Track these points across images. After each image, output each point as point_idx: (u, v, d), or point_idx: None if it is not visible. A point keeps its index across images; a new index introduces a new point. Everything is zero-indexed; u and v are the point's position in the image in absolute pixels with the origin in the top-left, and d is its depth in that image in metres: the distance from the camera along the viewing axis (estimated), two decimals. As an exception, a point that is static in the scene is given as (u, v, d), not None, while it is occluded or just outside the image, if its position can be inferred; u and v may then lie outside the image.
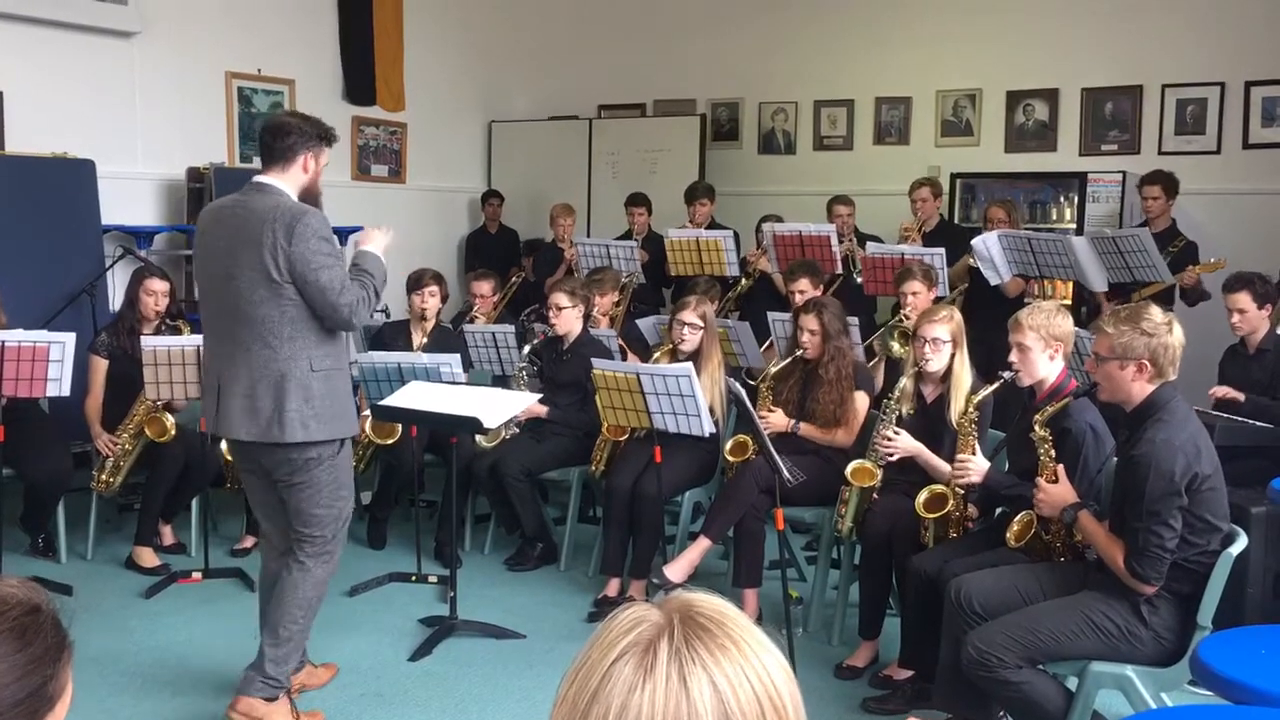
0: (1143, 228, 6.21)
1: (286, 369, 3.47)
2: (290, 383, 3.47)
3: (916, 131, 8.54)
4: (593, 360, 4.95)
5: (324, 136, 3.65)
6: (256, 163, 7.98)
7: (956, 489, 3.97)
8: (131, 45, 7.16)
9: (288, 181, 3.56)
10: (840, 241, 6.68)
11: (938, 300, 5.49)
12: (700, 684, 0.99)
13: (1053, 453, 3.53)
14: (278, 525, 3.75)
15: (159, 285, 5.40)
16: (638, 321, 6.44)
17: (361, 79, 8.63)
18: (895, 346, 5.26)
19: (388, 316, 6.81)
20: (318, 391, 3.51)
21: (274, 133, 3.57)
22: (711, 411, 4.76)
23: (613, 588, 4.96)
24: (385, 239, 3.82)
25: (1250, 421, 4.87)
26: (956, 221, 7.70)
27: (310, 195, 3.61)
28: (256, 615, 3.84)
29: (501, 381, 5.87)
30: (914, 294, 5.34)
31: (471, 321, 6.38)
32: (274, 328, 3.46)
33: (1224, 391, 5.03)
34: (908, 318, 5.27)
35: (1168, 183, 6.61)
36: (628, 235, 7.67)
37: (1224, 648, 2.97)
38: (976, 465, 3.88)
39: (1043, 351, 3.72)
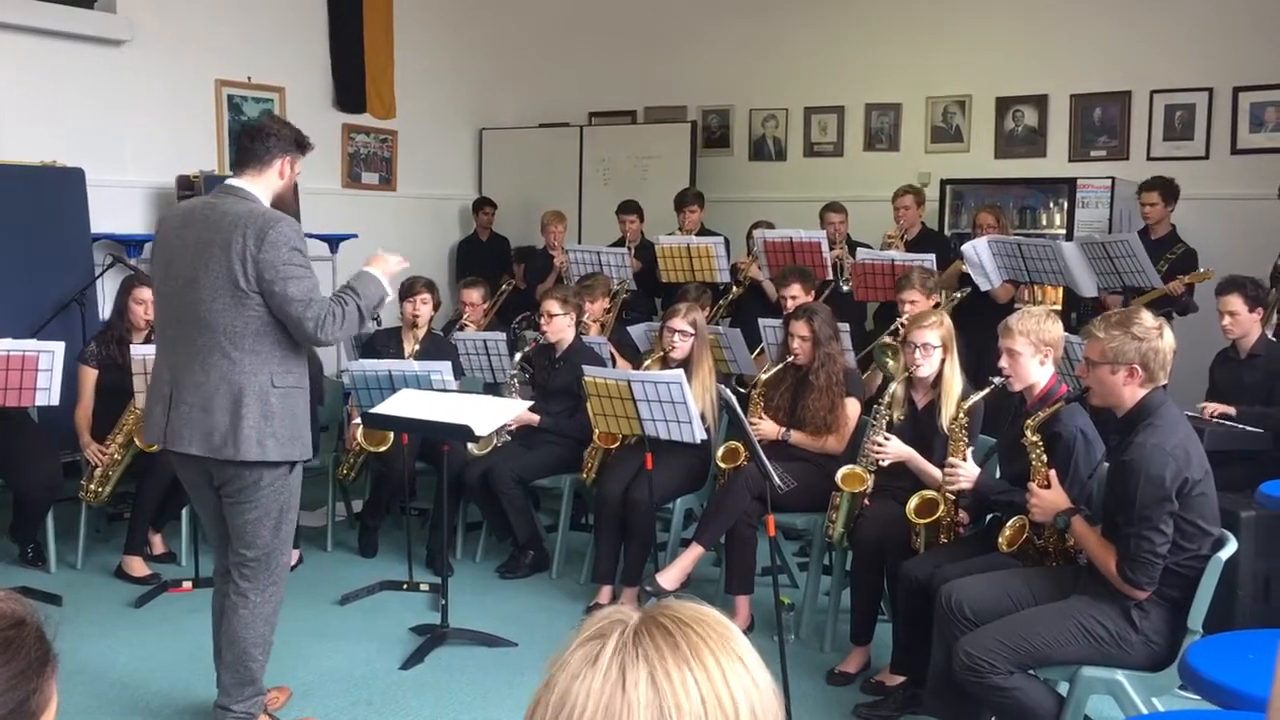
0: (1131, 233, 6.22)
1: (245, 382, 3.34)
2: (248, 396, 3.34)
3: (906, 138, 8.55)
4: (584, 367, 4.94)
5: (300, 143, 3.56)
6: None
7: (947, 494, 3.98)
8: (121, 53, 7.16)
9: (261, 186, 3.47)
10: (831, 248, 6.69)
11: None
12: (638, 678, 0.99)
13: (1044, 458, 3.53)
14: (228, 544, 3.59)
15: (148, 294, 5.36)
16: (629, 328, 6.43)
17: (352, 86, 8.62)
18: (890, 364, 5.21)
19: (379, 324, 6.80)
20: (277, 409, 3.38)
21: (251, 135, 3.50)
22: (703, 418, 4.75)
23: (604, 595, 4.95)
24: (394, 267, 3.69)
25: (1240, 426, 4.89)
26: (947, 227, 7.73)
27: (283, 203, 3.53)
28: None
29: (493, 389, 5.87)
30: (912, 303, 5.31)
31: (462, 329, 6.38)
32: (235, 338, 3.33)
33: (1214, 409, 5.03)
34: (904, 325, 5.24)
35: (1165, 189, 6.63)
36: (620, 243, 7.67)
37: (1213, 652, 2.97)
38: (967, 470, 3.88)
39: (1033, 357, 3.73)
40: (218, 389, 3.34)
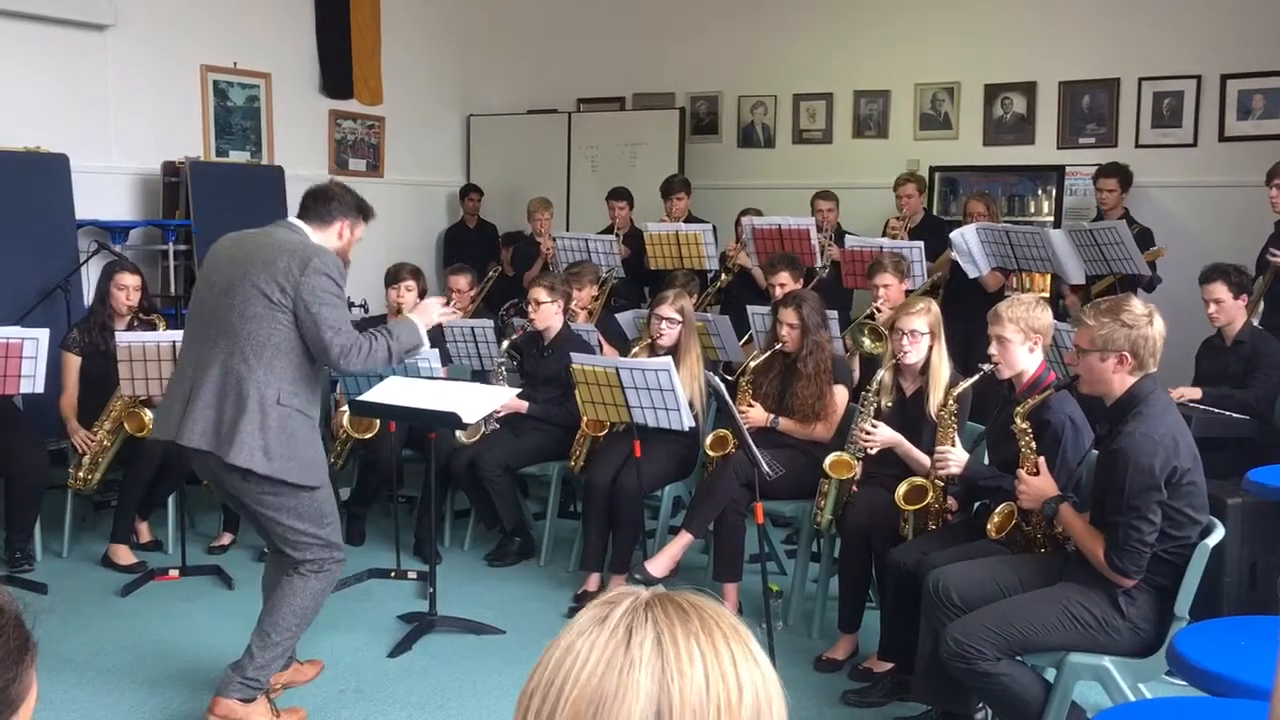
0: (1120, 221, 6.24)
1: (252, 390, 3.42)
2: (251, 403, 3.41)
3: (895, 125, 8.53)
4: (572, 355, 4.93)
5: (363, 210, 3.76)
6: (232, 157, 7.91)
7: (936, 481, 3.98)
8: (106, 38, 7.09)
9: (319, 237, 3.64)
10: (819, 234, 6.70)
11: (909, 292, 5.51)
12: (644, 638, 1.01)
13: (1033, 445, 3.53)
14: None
15: (130, 279, 5.35)
16: (617, 316, 6.42)
17: (339, 72, 8.57)
18: (866, 342, 5.26)
19: (365, 311, 6.78)
20: (274, 424, 3.43)
21: (316, 196, 3.71)
22: (691, 406, 4.75)
23: (593, 583, 4.95)
24: (437, 316, 3.89)
25: (1226, 413, 4.90)
26: (936, 215, 7.72)
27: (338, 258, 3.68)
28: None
29: (480, 376, 5.85)
30: (885, 286, 5.39)
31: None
32: (257, 348, 3.43)
33: (1180, 393, 5.04)
34: (879, 310, 5.30)
35: (1122, 175, 6.75)
36: (609, 230, 7.65)
37: (1200, 639, 2.97)
38: (956, 457, 3.88)
39: (1022, 344, 3.73)
40: (229, 390, 3.45)
